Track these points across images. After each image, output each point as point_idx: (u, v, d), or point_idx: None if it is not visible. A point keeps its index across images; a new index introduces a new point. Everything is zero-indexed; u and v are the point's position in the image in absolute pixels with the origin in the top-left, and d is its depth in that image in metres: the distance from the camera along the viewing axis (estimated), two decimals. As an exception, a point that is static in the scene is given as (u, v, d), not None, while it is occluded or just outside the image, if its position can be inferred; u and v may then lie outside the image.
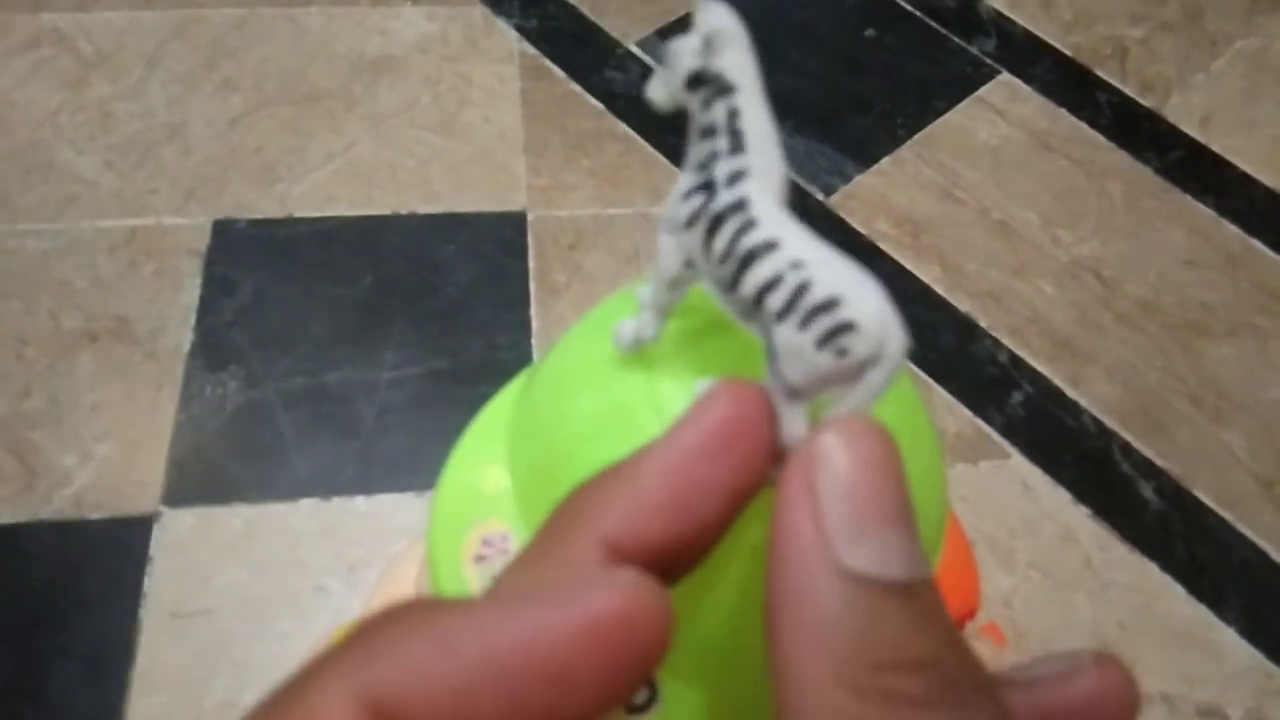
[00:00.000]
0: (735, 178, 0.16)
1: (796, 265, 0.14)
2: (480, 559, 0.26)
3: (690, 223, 0.16)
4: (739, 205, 0.15)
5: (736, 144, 0.16)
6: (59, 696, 0.43)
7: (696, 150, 0.16)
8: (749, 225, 0.15)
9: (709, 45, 0.17)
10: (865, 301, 0.14)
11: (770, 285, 0.14)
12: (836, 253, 0.14)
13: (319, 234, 0.56)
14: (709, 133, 0.16)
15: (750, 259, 0.15)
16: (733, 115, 0.16)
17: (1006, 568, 0.47)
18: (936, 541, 0.27)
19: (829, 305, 0.14)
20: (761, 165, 0.16)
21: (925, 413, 0.26)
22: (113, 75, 0.62)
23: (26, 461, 0.48)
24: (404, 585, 0.39)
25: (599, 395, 0.23)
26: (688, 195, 0.16)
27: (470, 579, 0.26)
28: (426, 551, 0.27)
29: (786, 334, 0.14)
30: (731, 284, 0.15)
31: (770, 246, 0.15)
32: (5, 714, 0.42)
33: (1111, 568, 0.47)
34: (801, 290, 0.14)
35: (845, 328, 0.14)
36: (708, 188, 0.16)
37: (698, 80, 0.17)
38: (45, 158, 0.58)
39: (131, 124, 0.60)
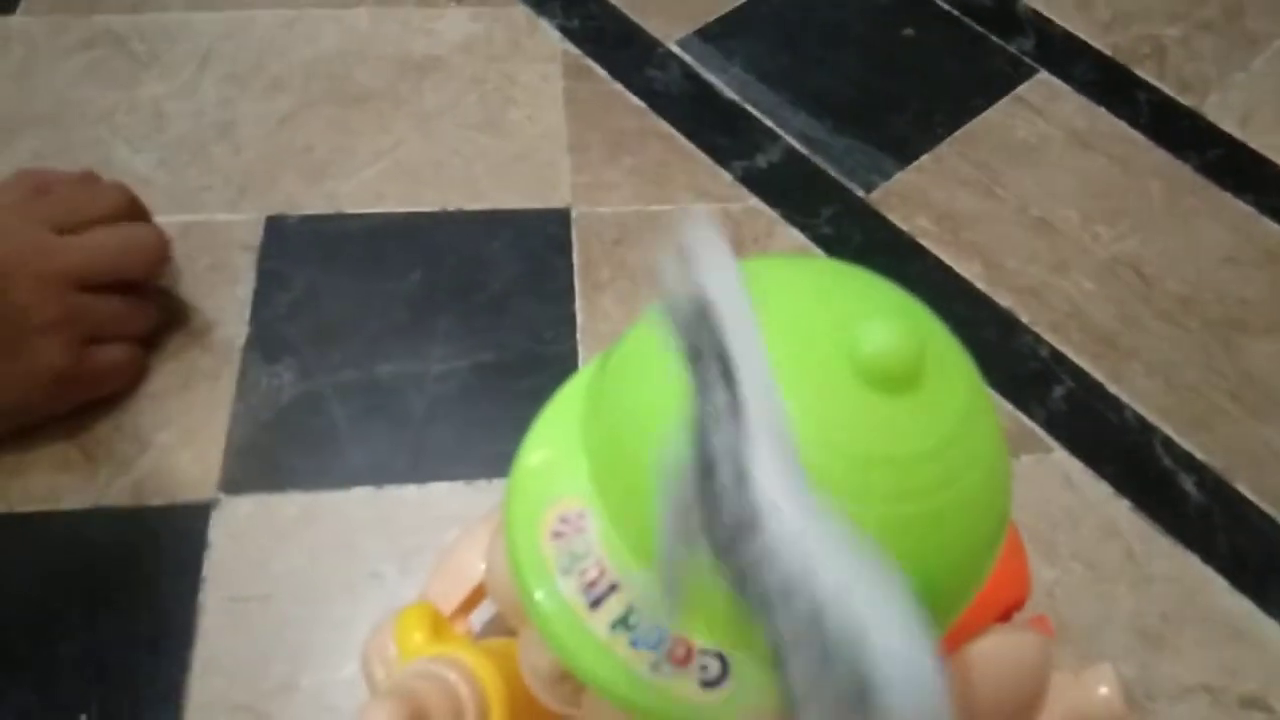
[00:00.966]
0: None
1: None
2: (558, 535, 0.27)
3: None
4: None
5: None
6: (122, 678, 0.44)
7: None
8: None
9: (699, 314, 0.16)
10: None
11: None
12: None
13: (368, 230, 0.57)
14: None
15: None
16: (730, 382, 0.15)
17: (1049, 560, 0.47)
18: (1000, 535, 0.28)
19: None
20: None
21: (988, 399, 0.26)
22: (165, 75, 0.63)
23: (87, 450, 0.50)
24: (459, 571, 0.40)
25: (670, 375, 0.24)
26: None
27: (548, 555, 0.27)
28: (505, 530, 0.28)
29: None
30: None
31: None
32: (72, 695, 0.44)
33: (1153, 560, 0.48)
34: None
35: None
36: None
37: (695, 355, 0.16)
38: (103, 155, 0.59)
39: (183, 123, 0.61)
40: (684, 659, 0.26)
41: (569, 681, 0.29)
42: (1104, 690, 0.41)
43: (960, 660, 0.37)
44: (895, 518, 0.24)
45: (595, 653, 0.26)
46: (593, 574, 0.26)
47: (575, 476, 0.27)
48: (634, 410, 0.26)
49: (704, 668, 0.26)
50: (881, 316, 0.24)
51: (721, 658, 0.26)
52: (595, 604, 0.26)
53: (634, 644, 0.26)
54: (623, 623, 0.26)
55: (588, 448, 0.27)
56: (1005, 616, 0.38)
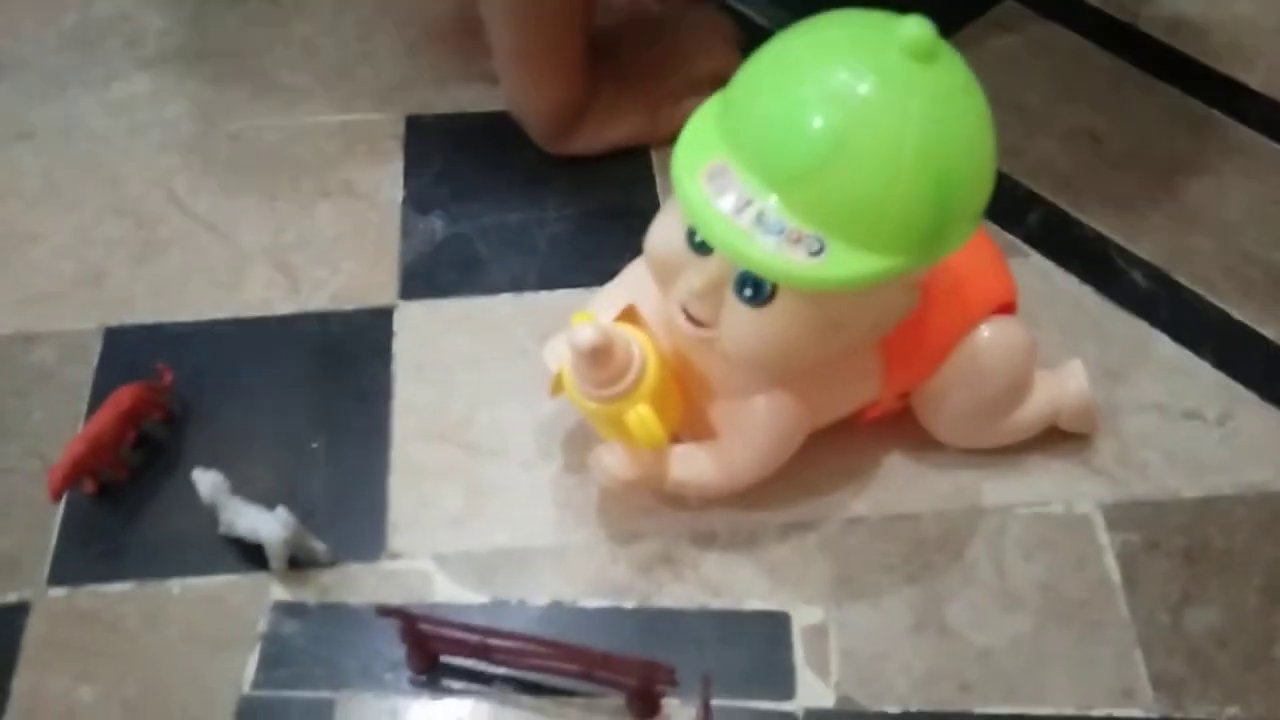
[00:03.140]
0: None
1: None
2: (711, 178, 0.42)
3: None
4: None
5: None
6: (340, 421, 0.58)
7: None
8: None
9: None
10: None
11: None
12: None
13: (486, 123, 0.72)
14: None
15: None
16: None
17: (1032, 326, 0.62)
18: (994, 162, 0.43)
19: None
20: None
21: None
22: (309, 18, 0.79)
23: (290, 275, 0.65)
24: (610, 297, 0.54)
25: (777, 53, 0.40)
26: None
27: (707, 190, 0.41)
28: (674, 183, 0.42)
29: None
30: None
31: None
32: (302, 437, 0.58)
33: (1113, 325, 0.63)
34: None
35: None
36: None
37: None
38: (269, 80, 0.75)
39: (331, 52, 0.77)
40: (797, 239, 0.40)
41: (714, 295, 0.44)
42: (1073, 384, 0.55)
43: (969, 343, 0.52)
44: (934, 132, 0.40)
45: (743, 239, 0.41)
46: (733, 195, 0.41)
47: (716, 145, 0.43)
48: (754, 87, 0.42)
49: (810, 245, 0.40)
50: (908, 18, 0.40)
51: (820, 239, 0.41)
52: (738, 212, 0.41)
53: (766, 232, 0.40)
54: (757, 221, 0.41)
55: (723, 126, 0.43)
56: (1001, 313, 0.53)
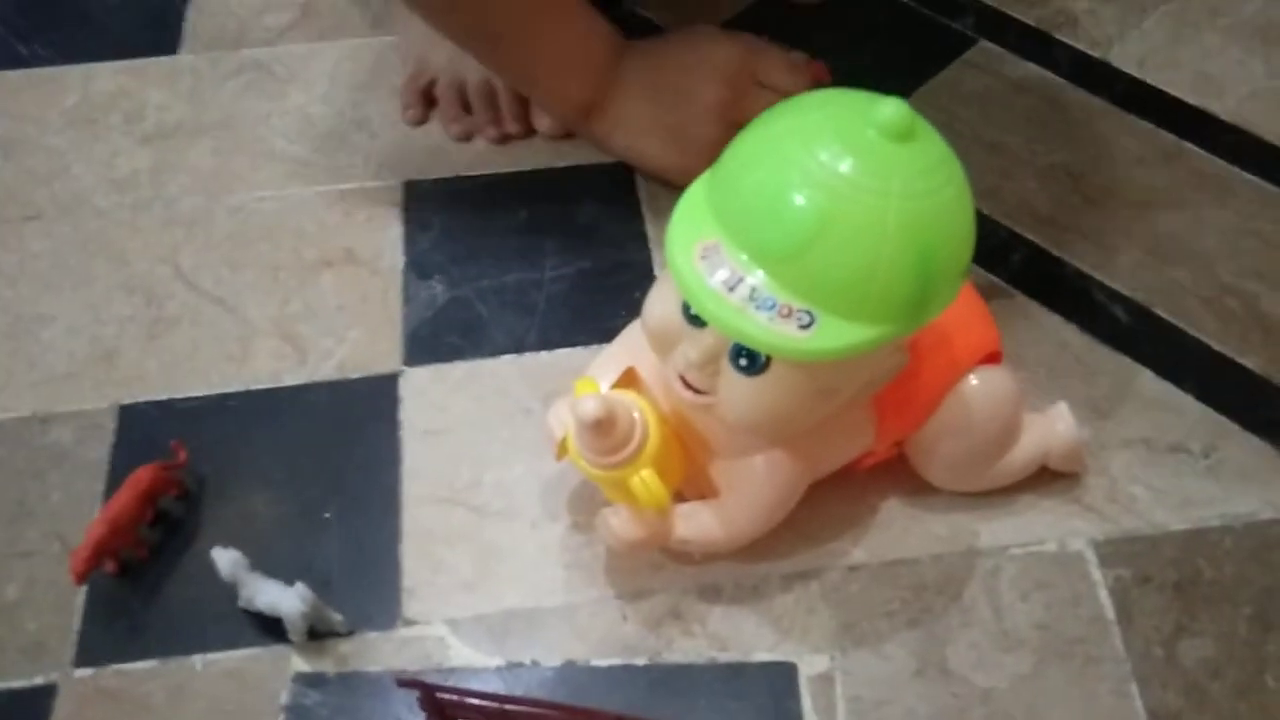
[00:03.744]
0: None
1: None
2: (703, 257, 0.44)
3: None
4: None
5: None
6: (351, 489, 0.60)
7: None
8: None
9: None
10: None
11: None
12: None
13: (483, 185, 0.75)
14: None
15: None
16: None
17: (1016, 368, 0.64)
18: (972, 234, 0.45)
19: None
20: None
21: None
22: (305, 88, 0.81)
23: (297, 346, 0.66)
24: (609, 362, 0.55)
25: (760, 135, 0.42)
26: None
27: (700, 268, 0.43)
28: (669, 261, 0.44)
29: None
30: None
31: None
32: (314, 507, 0.59)
33: (1097, 360, 0.64)
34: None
35: None
36: None
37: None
38: (267, 148, 0.77)
39: (327, 121, 0.79)
40: (788, 314, 0.42)
41: (710, 365, 0.46)
42: (1061, 426, 0.57)
43: (958, 393, 0.53)
44: (914, 208, 0.42)
45: (736, 315, 0.43)
46: (725, 272, 0.43)
47: (706, 224, 0.45)
48: (735, 163, 0.44)
49: (800, 319, 0.42)
50: (885, 99, 0.42)
51: (810, 312, 0.43)
52: (730, 289, 0.43)
53: (758, 308, 0.42)
54: (749, 298, 0.43)
55: (713, 205, 0.44)
56: (987, 363, 0.55)
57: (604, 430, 0.47)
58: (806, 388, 0.46)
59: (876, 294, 0.42)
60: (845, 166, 0.41)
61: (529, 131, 0.76)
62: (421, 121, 0.77)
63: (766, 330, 0.42)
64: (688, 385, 0.48)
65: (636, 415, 0.49)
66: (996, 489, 0.58)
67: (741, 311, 0.42)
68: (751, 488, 0.52)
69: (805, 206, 0.42)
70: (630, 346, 0.55)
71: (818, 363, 0.44)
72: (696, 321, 0.46)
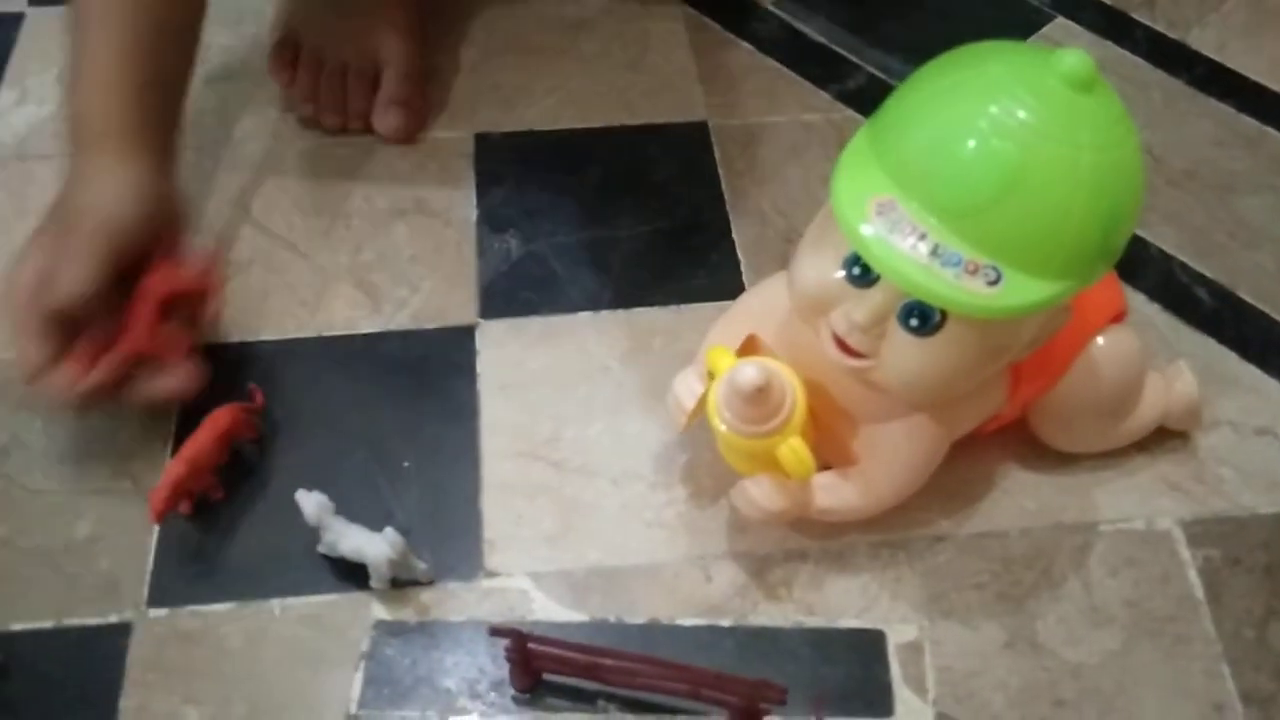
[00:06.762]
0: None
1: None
2: (879, 213, 0.42)
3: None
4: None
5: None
6: (429, 440, 0.59)
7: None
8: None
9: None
10: None
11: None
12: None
13: (555, 141, 0.73)
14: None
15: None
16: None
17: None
18: (1141, 194, 0.44)
19: None
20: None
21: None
22: (373, 38, 0.79)
23: (371, 294, 0.65)
24: (733, 325, 0.54)
25: (931, 88, 0.41)
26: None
27: (879, 227, 0.42)
28: (841, 221, 0.44)
29: None
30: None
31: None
32: (392, 452, 0.58)
33: (1181, 342, 0.64)
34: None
35: None
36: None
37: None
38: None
39: (396, 70, 0.77)
40: (974, 270, 0.41)
41: (877, 327, 0.45)
42: (1180, 384, 0.57)
43: (1088, 354, 0.53)
44: (1104, 160, 0.41)
45: (923, 272, 0.41)
46: (906, 229, 0.42)
47: (877, 180, 0.43)
48: (913, 123, 0.43)
49: (987, 274, 0.41)
50: (1065, 50, 0.42)
51: (995, 268, 0.42)
52: (914, 247, 0.42)
53: (943, 264, 0.41)
54: (934, 253, 0.41)
55: (881, 160, 0.43)
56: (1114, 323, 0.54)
57: (761, 399, 0.46)
58: (978, 347, 0.45)
59: (1066, 247, 0.42)
60: (1033, 117, 0.40)
61: (367, 128, 0.73)
62: (289, 85, 0.74)
63: (954, 288, 0.41)
64: (846, 350, 0.46)
65: (787, 384, 0.48)
66: (1081, 464, 0.58)
67: (929, 269, 0.41)
68: (892, 453, 0.51)
69: (995, 159, 0.41)
70: (751, 311, 0.54)
71: (993, 321, 0.43)
72: (860, 281, 0.45)
